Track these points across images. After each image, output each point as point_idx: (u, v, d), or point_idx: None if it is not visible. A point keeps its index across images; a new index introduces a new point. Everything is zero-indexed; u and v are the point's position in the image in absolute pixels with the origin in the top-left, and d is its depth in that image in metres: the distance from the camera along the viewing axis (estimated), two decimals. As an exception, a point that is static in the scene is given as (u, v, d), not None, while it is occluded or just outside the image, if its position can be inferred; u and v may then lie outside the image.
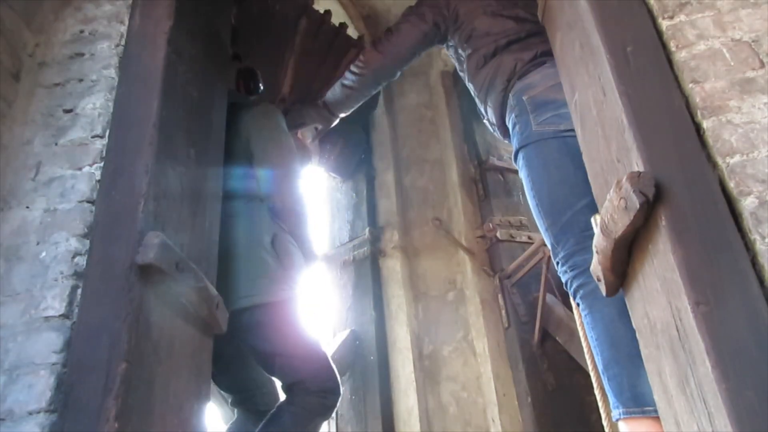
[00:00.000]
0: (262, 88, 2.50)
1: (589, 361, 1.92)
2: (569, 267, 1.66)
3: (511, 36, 2.02)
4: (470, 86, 2.19)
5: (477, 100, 2.18)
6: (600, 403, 1.86)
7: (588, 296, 1.60)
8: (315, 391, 1.91)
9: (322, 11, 3.10)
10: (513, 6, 2.10)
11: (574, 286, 1.64)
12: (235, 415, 2.10)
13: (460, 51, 2.21)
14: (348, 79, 2.43)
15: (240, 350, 2.06)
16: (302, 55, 3.01)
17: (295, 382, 1.92)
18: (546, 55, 1.88)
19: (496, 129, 2.13)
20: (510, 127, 1.97)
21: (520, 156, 1.88)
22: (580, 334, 2.00)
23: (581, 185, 1.60)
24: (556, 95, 1.78)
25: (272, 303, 1.94)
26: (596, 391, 1.87)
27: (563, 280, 1.70)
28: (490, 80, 2.03)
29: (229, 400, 2.13)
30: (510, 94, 1.96)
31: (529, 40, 1.98)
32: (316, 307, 3.31)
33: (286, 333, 1.95)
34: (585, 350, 1.94)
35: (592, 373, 1.91)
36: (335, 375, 1.99)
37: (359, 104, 2.55)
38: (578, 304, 1.66)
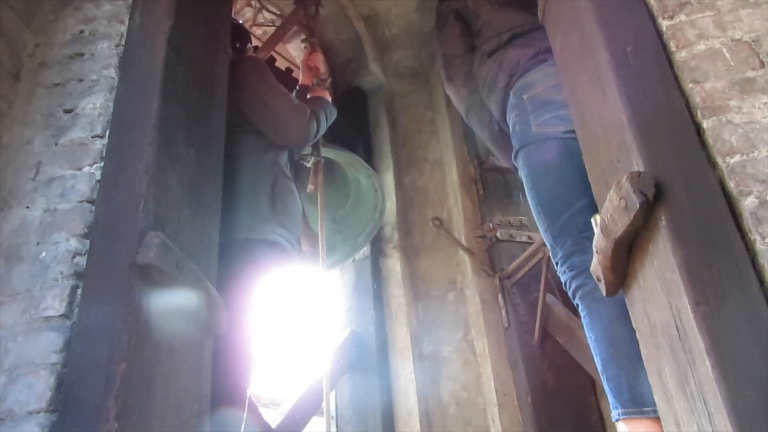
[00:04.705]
0: (249, 45, 2.51)
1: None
2: (567, 267, 1.66)
3: (516, 29, 2.02)
4: (476, 77, 2.19)
5: (481, 94, 2.18)
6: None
7: (586, 297, 1.60)
8: (220, 365, 1.71)
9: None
10: None
11: (573, 286, 1.64)
12: None
13: (473, 41, 2.21)
14: (464, 113, 2.37)
15: None
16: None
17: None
18: (548, 52, 1.88)
19: (499, 124, 2.13)
20: (510, 126, 1.97)
21: (520, 156, 1.88)
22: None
23: (580, 186, 1.60)
24: (556, 95, 1.78)
25: (259, 240, 1.95)
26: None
27: (562, 280, 1.70)
28: (492, 76, 2.03)
29: None
30: (511, 92, 1.96)
31: (533, 34, 1.97)
32: (316, 307, 3.31)
33: (238, 279, 1.87)
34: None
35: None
36: (246, 352, 1.85)
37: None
38: (577, 305, 1.66)
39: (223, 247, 1.82)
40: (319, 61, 2.67)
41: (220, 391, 1.69)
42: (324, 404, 2.33)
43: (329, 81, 2.65)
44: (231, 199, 1.96)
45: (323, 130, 2.30)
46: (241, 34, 2.48)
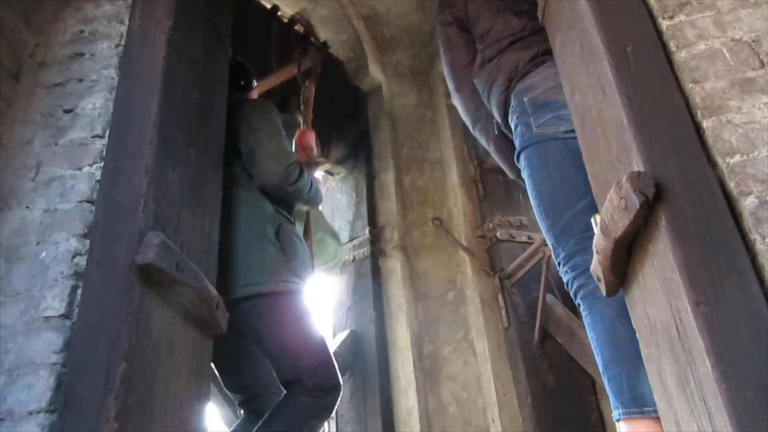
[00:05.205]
0: (255, 83, 2.49)
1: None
2: (570, 267, 1.66)
3: (515, 35, 2.02)
4: (475, 83, 2.19)
5: (482, 99, 2.18)
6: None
7: (588, 297, 1.60)
8: (311, 389, 1.87)
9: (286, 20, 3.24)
10: (516, 0, 2.10)
11: (575, 286, 1.65)
12: (241, 417, 2.09)
13: (476, 47, 2.21)
14: (471, 126, 2.36)
15: (243, 346, 2.05)
16: (283, 55, 3.08)
17: (292, 379, 1.89)
18: (546, 54, 1.88)
19: (501, 127, 2.14)
20: (512, 127, 1.98)
21: (522, 157, 1.88)
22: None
23: (581, 186, 1.60)
24: (556, 96, 1.78)
25: (273, 294, 1.93)
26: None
27: (564, 280, 1.71)
28: (492, 80, 2.04)
29: (237, 402, 2.10)
30: (511, 95, 1.97)
31: (531, 38, 1.98)
32: (316, 307, 3.31)
33: (286, 326, 1.93)
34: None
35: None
36: (335, 374, 1.95)
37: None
38: (579, 305, 1.66)
39: (243, 303, 1.87)
40: (313, 140, 2.57)
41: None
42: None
43: (321, 161, 2.64)
44: (236, 250, 1.95)
45: (305, 195, 2.20)
46: (246, 72, 2.45)
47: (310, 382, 1.88)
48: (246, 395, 2.08)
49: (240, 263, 1.94)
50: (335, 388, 1.94)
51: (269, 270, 1.95)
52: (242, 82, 2.41)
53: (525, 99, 1.89)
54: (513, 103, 1.96)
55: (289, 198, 2.17)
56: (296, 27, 3.29)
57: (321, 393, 1.89)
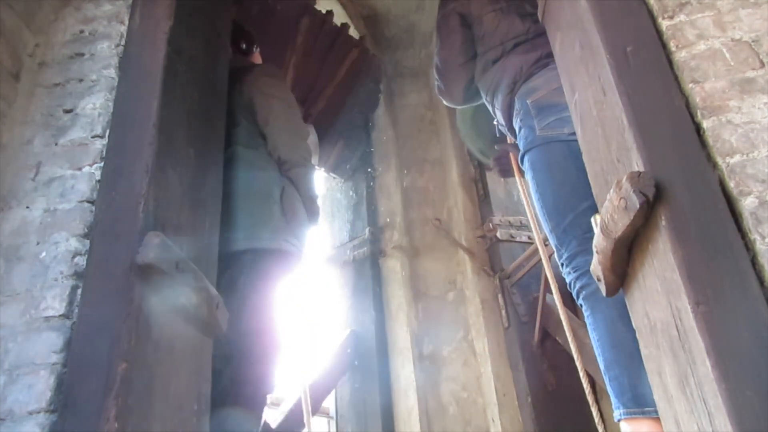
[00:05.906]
0: (256, 47, 2.51)
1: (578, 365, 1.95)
2: (572, 268, 1.67)
3: (520, 37, 2.03)
4: (479, 87, 2.19)
5: (485, 102, 2.18)
6: (592, 408, 1.88)
7: (590, 297, 1.61)
8: (244, 350, 1.82)
9: (323, 11, 3.14)
10: (520, 2, 2.10)
11: (577, 287, 1.65)
12: None
13: (476, 48, 2.21)
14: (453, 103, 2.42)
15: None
16: (303, 55, 3.05)
17: (230, 354, 1.79)
18: (550, 56, 1.89)
19: (506, 130, 2.14)
20: (516, 130, 1.99)
21: (526, 159, 1.89)
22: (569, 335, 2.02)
23: (584, 187, 1.61)
24: (559, 98, 1.79)
25: (272, 251, 1.96)
26: (587, 395, 1.89)
27: (567, 281, 1.71)
28: (496, 83, 2.04)
29: None
30: (516, 98, 1.97)
31: (535, 41, 1.99)
32: (317, 307, 3.31)
33: (260, 286, 1.93)
34: (575, 353, 1.96)
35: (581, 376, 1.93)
36: (271, 358, 1.92)
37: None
38: (581, 305, 1.67)
39: (238, 256, 1.88)
40: None
41: (244, 394, 1.81)
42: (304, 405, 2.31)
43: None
44: (243, 208, 1.98)
45: (305, 181, 2.23)
46: (247, 36, 2.47)
47: (244, 360, 1.83)
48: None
49: (245, 220, 1.97)
50: (269, 354, 1.91)
51: (273, 228, 1.99)
52: (244, 45, 2.42)
53: (528, 101, 1.90)
54: (517, 105, 1.96)
55: (290, 172, 2.20)
56: (333, 21, 3.23)
57: (253, 360, 1.86)
